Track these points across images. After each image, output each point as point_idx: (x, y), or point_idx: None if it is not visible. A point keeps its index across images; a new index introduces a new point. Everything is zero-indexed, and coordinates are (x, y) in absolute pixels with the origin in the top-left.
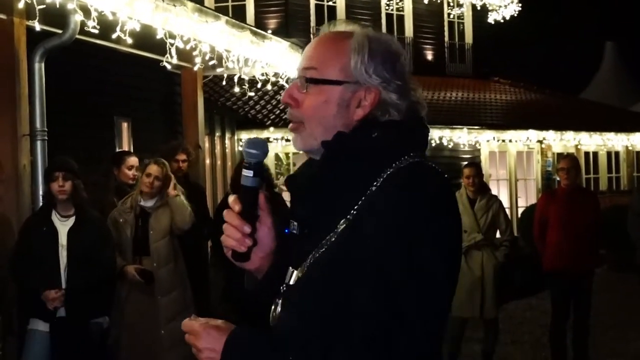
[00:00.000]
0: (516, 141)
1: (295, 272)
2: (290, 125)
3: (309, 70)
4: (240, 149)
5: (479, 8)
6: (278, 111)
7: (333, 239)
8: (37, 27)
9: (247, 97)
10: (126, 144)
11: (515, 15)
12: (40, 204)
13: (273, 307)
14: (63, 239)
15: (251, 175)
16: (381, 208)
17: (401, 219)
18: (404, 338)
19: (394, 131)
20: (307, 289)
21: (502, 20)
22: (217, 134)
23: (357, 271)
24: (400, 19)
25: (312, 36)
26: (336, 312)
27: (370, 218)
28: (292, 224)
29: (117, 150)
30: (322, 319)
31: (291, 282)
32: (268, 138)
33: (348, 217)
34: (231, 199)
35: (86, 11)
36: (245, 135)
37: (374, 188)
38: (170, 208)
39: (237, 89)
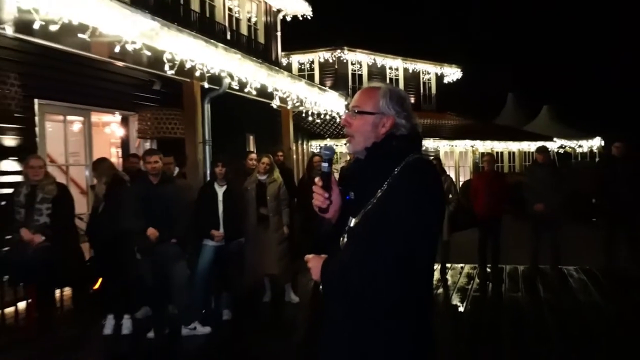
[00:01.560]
0: (457, 146)
1: (354, 219)
2: (347, 138)
3: (356, 107)
4: (312, 150)
5: (439, 75)
6: (330, 129)
7: (373, 201)
8: (206, 85)
9: (314, 121)
10: (252, 147)
11: (459, 78)
12: (208, 178)
13: (341, 238)
14: (220, 198)
15: (327, 165)
16: (398, 184)
17: (408, 190)
18: (405, 252)
19: (404, 140)
20: (360, 228)
21: (451, 81)
22: (299, 141)
23: (385, 217)
24: (398, 80)
25: (349, 90)
26: (372, 238)
27: (392, 190)
28: (350, 193)
29: (246, 150)
30: (366, 243)
31: (351, 225)
32: (326, 144)
33: (381, 189)
34: (317, 179)
35: (231, 76)
36: (313, 143)
37: (395, 173)
38: (275, 181)
39: (310, 118)
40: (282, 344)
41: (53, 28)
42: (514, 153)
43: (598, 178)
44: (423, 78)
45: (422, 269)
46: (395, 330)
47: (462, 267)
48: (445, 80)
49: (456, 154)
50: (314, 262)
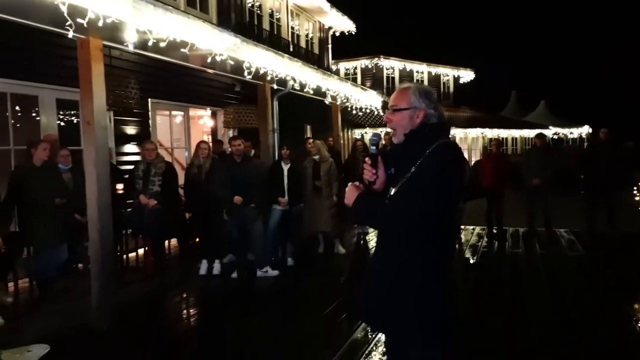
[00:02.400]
0: (470, 133)
1: (394, 189)
2: (390, 131)
3: (393, 106)
4: (355, 136)
5: (456, 77)
6: (369, 120)
7: (408, 175)
8: (275, 86)
9: (357, 114)
10: (309, 134)
11: (472, 79)
12: (276, 158)
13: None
14: (285, 173)
15: (374, 148)
16: (428, 161)
17: (435, 164)
18: (433, 211)
19: (435, 128)
20: (398, 195)
21: (466, 81)
22: (345, 130)
23: (415, 183)
24: (423, 81)
25: (384, 89)
26: (403, 196)
27: (423, 166)
28: (391, 169)
29: (305, 136)
30: (404, 204)
31: (391, 193)
32: (366, 131)
33: (415, 166)
34: (367, 159)
35: (294, 79)
36: (356, 131)
37: (426, 154)
38: (327, 160)
39: (354, 111)
40: (332, 283)
41: (162, 44)
42: (516, 139)
43: (585, 158)
44: (443, 79)
45: (441, 221)
46: (422, 266)
47: (473, 229)
48: (461, 81)
49: (469, 140)
50: (351, 191)
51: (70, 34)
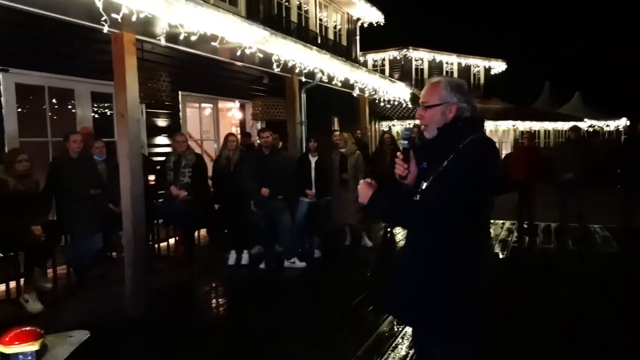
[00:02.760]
0: (501, 125)
1: (425, 183)
2: (422, 127)
3: (425, 102)
4: (382, 129)
5: (487, 68)
6: (397, 112)
7: (440, 169)
8: (303, 79)
9: (384, 106)
10: (336, 127)
11: (504, 70)
12: (304, 151)
13: (414, 197)
14: (312, 165)
15: (406, 143)
16: (462, 157)
17: (469, 163)
18: (460, 203)
19: (467, 122)
20: (429, 189)
21: (497, 72)
22: (372, 122)
23: (448, 181)
24: (452, 73)
25: (412, 81)
26: (438, 195)
27: (457, 161)
28: (423, 163)
29: (332, 129)
30: (433, 198)
31: (423, 187)
32: (393, 124)
33: (447, 160)
34: (399, 154)
35: (322, 72)
36: (384, 123)
37: (459, 148)
38: (354, 153)
39: (381, 103)
40: (359, 276)
41: (193, 38)
42: (549, 131)
43: (622, 151)
44: (473, 70)
45: (470, 215)
46: (449, 260)
47: (502, 223)
48: (492, 72)
49: (500, 132)
50: (364, 189)
51: (105, 29)
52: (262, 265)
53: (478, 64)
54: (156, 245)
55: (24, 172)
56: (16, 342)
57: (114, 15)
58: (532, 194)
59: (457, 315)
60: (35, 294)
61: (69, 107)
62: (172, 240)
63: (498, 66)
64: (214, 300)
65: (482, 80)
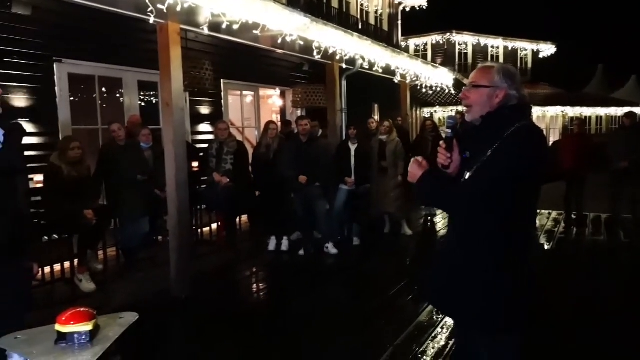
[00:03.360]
0: (549, 111)
1: (468, 173)
2: (465, 108)
3: (473, 82)
4: (424, 115)
5: (535, 51)
6: (439, 99)
7: (484, 159)
8: (343, 66)
9: (426, 92)
10: (376, 114)
11: (553, 53)
12: (344, 138)
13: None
14: (352, 153)
15: (450, 132)
16: (507, 146)
17: (515, 151)
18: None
19: (515, 109)
20: (472, 179)
21: (546, 56)
22: (414, 108)
23: (492, 170)
24: (498, 57)
25: (456, 66)
26: (481, 183)
27: (502, 150)
28: (466, 152)
29: (371, 117)
30: (476, 186)
31: (466, 177)
32: (435, 110)
33: (492, 149)
34: (442, 142)
35: (363, 58)
36: (425, 109)
37: (505, 136)
38: (393, 140)
39: (423, 90)
40: (398, 264)
41: (235, 27)
42: (601, 117)
43: None
44: (520, 54)
45: (513, 205)
46: (491, 250)
47: (549, 213)
48: (540, 55)
49: (547, 118)
50: (415, 167)
51: (152, 20)
52: (301, 252)
53: (525, 47)
54: (199, 230)
55: (77, 158)
56: (72, 322)
57: (159, 6)
58: (582, 183)
59: (500, 308)
60: (88, 274)
61: (117, 95)
62: (214, 226)
63: (547, 49)
64: (254, 285)
65: (529, 65)
